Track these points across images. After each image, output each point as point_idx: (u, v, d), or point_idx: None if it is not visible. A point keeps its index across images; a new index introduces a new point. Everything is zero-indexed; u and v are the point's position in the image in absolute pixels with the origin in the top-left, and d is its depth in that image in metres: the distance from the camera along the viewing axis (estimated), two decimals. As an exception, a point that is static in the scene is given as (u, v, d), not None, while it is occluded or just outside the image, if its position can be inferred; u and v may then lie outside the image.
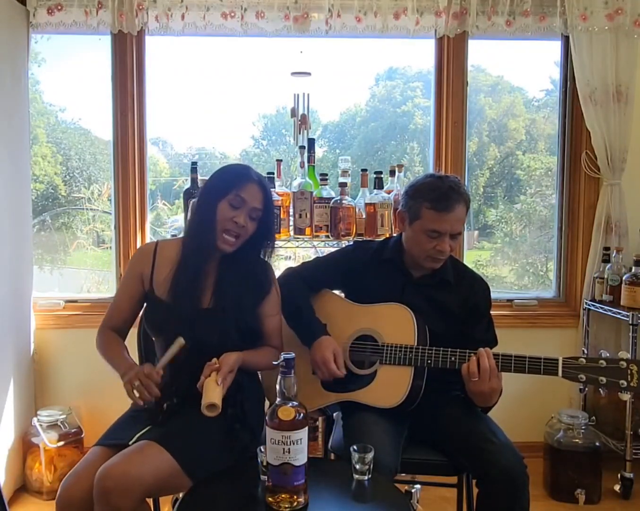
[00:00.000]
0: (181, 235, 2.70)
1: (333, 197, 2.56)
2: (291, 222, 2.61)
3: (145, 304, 1.86)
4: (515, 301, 3.16)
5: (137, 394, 1.61)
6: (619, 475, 2.72)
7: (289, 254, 2.97)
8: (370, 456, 1.54)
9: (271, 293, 1.87)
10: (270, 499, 1.40)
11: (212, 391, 1.59)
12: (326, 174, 2.60)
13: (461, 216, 1.88)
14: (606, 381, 1.68)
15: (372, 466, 1.55)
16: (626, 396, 1.77)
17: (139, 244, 3.00)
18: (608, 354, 2.76)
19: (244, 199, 1.74)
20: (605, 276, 2.87)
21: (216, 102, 3.24)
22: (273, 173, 2.61)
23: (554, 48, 3.11)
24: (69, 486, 1.58)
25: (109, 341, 1.83)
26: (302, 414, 1.39)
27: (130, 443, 1.61)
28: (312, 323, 1.97)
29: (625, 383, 1.67)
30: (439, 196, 1.85)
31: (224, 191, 1.76)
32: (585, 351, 2.98)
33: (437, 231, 1.86)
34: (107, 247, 3.26)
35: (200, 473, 1.59)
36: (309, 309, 2.00)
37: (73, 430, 2.80)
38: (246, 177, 1.77)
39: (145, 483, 1.50)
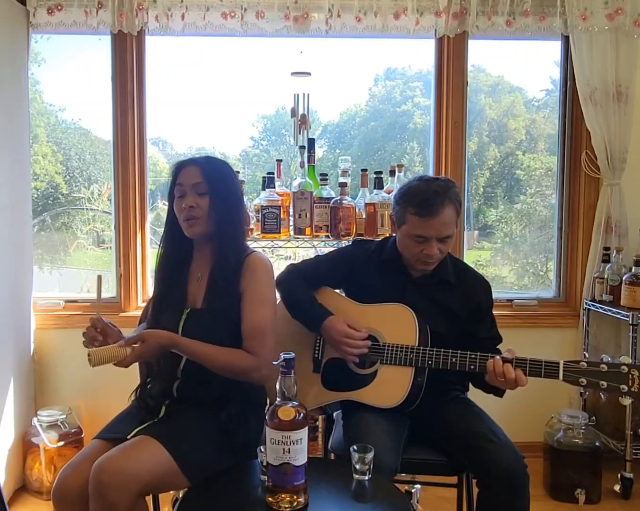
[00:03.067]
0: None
1: (333, 197, 2.56)
2: (291, 222, 2.61)
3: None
4: (515, 301, 3.16)
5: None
6: (619, 475, 2.72)
7: (289, 254, 2.97)
8: (370, 456, 1.54)
9: (251, 285, 1.76)
10: (270, 499, 1.40)
11: (104, 349, 1.61)
12: (326, 174, 2.61)
13: (448, 220, 1.84)
14: (607, 386, 1.68)
15: (372, 466, 1.55)
16: (627, 401, 1.76)
17: (139, 245, 3.02)
18: (609, 357, 2.77)
19: (182, 183, 1.78)
20: (605, 276, 2.87)
21: (216, 102, 3.25)
22: (273, 173, 2.61)
23: (554, 48, 3.12)
24: (66, 478, 1.58)
25: None
26: (302, 414, 1.39)
27: (129, 437, 1.61)
28: (316, 308, 1.97)
29: (626, 388, 1.66)
30: (421, 201, 1.83)
31: (170, 191, 1.83)
32: (586, 351, 2.99)
33: (422, 236, 1.85)
34: (107, 248, 3.26)
35: (197, 471, 1.59)
36: (311, 299, 2.01)
37: (73, 430, 2.80)
38: (179, 166, 1.81)
39: (141, 479, 1.50)
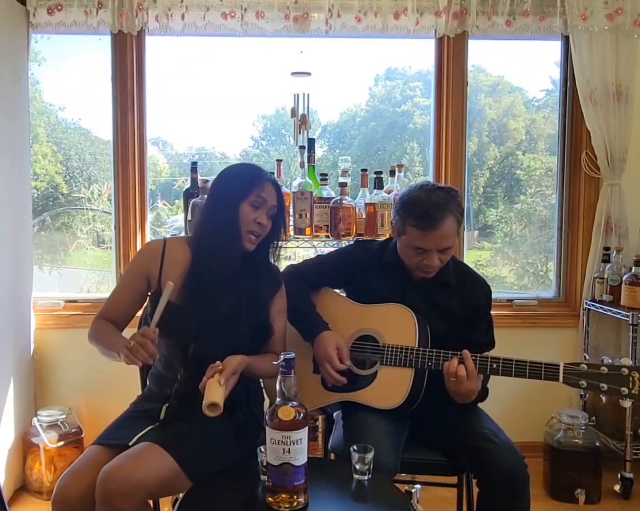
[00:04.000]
0: (182, 234, 2.71)
1: (333, 197, 2.56)
2: (291, 222, 2.61)
3: (149, 304, 1.84)
4: (515, 301, 3.16)
5: (134, 356, 1.57)
6: (619, 475, 2.72)
7: (289, 254, 2.97)
8: (370, 456, 1.54)
9: (280, 292, 1.88)
10: (270, 499, 1.40)
11: (215, 391, 1.57)
12: (326, 174, 2.60)
13: (448, 232, 1.81)
14: (607, 388, 1.67)
15: (372, 466, 1.55)
16: (627, 403, 1.77)
17: (139, 245, 3.00)
18: (609, 358, 2.77)
19: (265, 199, 1.76)
20: (605, 276, 2.87)
21: (216, 102, 3.24)
22: (273, 173, 2.60)
23: (554, 48, 3.12)
24: (66, 485, 1.57)
25: (105, 328, 1.79)
26: (302, 414, 1.39)
27: (131, 444, 1.60)
28: (313, 318, 1.97)
29: (627, 391, 1.66)
30: (421, 214, 1.80)
31: (245, 193, 1.75)
32: (585, 352, 2.98)
33: (422, 248, 1.84)
34: (107, 248, 3.26)
35: (202, 475, 1.59)
36: (310, 306, 2.00)
37: (73, 430, 2.80)
38: (263, 177, 1.79)
39: (147, 486, 1.50)
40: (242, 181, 1.78)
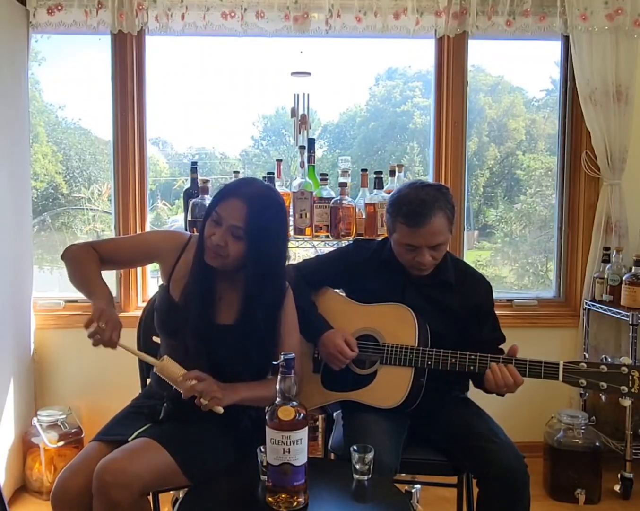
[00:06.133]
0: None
1: (333, 197, 2.56)
2: (291, 222, 2.61)
3: (156, 299, 1.86)
4: (515, 301, 3.16)
5: (96, 334, 1.54)
6: (619, 475, 2.72)
7: (289, 254, 2.97)
8: (370, 456, 1.54)
9: (286, 314, 1.80)
10: (270, 499, 1.41)
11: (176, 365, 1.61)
12: (326, 174, 2.60)
13: (437, 229, 1.82)
14: (607, 387, 1.68)
15: (372, 466, 1.55)
16: (627, 402, 1.77)
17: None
18: (609, 358, 2.77)
19: (220, 215, 1.64)
20: (605, 276, 2.87)
21: (216, 102, 3.25)
22: (273, 173, 2.61)
23: (554, 48, 3.12)
24: (65, 480, 1.58)
25: (93, 260, 1.73)
26: (302, 414, 1.39)
27: (129, 439, 1.62)
28: (316, 319, 1.97)
29: (626, 389, 1.67)
30: (409, 211, 1.81)
31: (210, 207, 1.71)
32: (585, 352, 2.98)
33: (412, 245, 1.85)
34: (107, 248, 3.26)
35: (198, 474, 1.59)
36: (312, 307, 2.00)
37: (73, 430, 2.80)
38: (230, 192, 1.67)
39: (143, 479, 1.51)
40: (215, 196, 1.73)
